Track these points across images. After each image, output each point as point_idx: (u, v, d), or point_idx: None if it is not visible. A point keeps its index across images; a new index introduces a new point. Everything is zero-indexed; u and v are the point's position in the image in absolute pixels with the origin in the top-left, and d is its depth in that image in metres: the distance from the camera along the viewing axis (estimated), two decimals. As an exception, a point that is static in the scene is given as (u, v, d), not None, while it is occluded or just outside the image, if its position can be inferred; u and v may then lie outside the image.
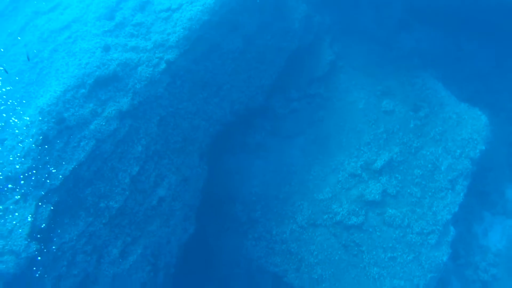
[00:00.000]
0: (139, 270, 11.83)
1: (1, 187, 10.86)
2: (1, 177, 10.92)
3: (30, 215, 10.54)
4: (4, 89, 13.06)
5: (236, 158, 15.79)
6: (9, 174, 10.93)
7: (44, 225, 10.61)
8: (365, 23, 17.44)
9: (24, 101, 12.64)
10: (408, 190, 14.67)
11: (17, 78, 13.34)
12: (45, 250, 10.51)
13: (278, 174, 15.52)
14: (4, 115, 12.35)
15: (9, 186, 10.87)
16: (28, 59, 13.50)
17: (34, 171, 10.86)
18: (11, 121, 12.02)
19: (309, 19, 16.38)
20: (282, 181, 15.46)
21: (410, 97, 15.87)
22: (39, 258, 10.36)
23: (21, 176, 10.85)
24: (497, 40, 16.57)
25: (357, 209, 14.61)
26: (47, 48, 13.63)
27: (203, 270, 15.21)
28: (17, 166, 10.96)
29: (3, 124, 12.04)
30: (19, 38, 14.41)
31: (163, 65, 12.47)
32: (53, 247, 10.62)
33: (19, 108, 12.41)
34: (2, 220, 10.61)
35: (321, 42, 16.73)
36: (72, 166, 10.97)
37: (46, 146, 11.13)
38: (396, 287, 14.05)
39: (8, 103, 12.74)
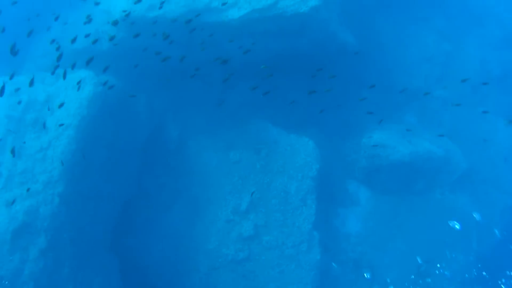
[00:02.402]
0: None
1: None
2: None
3: None
4: None
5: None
6: None
7: None
8: (196, 91, 23.72)
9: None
10: (273, 218, 21.45)
11: None
12: None
13: (170, 243, 21.78)
14: None
15: None
16: None
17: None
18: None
19: (150, 106, 22.53)
20: (177, 246, 21.80)
21: (250, 143, 22.51)
22: None
23: None
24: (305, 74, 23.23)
25: (241, 246, 21.28)
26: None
27: None
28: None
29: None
30: None
31: (57, 200, 18.15)
32: None
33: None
34: None
35: (165, 123, 23.05)
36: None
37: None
38: (292, 292, 21.04)
39: None
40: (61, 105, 17.98)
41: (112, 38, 18.41)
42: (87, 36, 19.00)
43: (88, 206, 19.46)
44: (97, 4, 21.08)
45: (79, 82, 19.62)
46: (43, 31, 23.92)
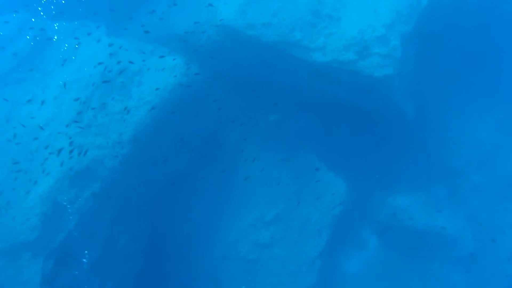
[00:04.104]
0: None
1: (18, 249, 19.52)
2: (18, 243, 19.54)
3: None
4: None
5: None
6: (23, 241, 19.43)
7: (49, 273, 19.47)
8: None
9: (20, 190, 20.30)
10: (289, 236, 24.26)
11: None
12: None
13: (197, 224, 24.70)
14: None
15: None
16: None
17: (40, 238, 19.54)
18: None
19: (222, 108, 24.57)
20: (201, 229, 24.77)
21: (294, 167, 25.31)
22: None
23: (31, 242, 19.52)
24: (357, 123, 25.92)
25: (253, 249, 24.21)
26: (34, 144, 20.91)
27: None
28: (28, 236, 19.55)
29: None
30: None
31: (119, 158, 20.86)
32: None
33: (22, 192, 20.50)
34: (20, 272, 19.35)
35: (230, 124, 25.61)
36: (65, 234, 19.77)
37: (47, 221, 19.72)
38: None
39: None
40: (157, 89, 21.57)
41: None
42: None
43: (142, 170, 22.24)
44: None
45: (170, 67, 22.36)
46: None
